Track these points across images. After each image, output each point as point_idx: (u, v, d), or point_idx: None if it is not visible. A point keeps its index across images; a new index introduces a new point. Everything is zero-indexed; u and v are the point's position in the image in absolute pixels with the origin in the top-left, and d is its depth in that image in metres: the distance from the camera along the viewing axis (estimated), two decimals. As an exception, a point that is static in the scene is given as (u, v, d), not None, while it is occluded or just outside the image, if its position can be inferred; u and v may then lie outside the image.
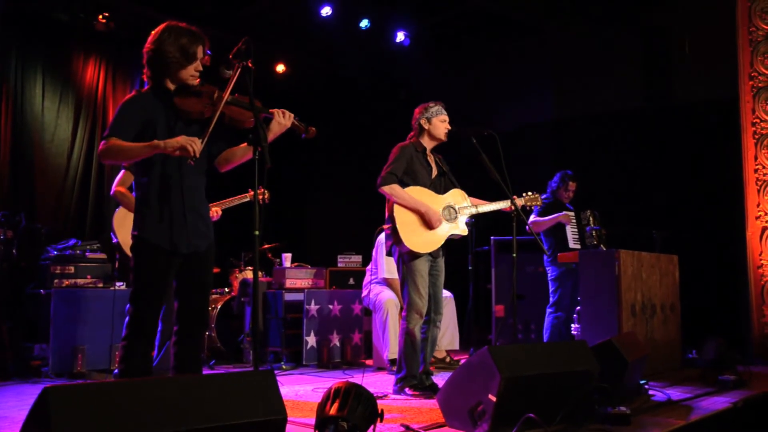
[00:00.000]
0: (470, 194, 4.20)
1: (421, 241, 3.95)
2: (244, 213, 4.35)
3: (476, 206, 4.14)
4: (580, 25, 7.32)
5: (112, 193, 4.25)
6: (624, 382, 3.33)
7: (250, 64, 2.67)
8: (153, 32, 2.69)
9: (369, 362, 5.65)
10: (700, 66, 6.65)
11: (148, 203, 2.64)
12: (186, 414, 1.90)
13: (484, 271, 6.97)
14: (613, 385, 3.10)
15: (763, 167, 5.80)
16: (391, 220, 3.95)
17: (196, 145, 2.51)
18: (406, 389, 3.94)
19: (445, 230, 4.03)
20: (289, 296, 5.62)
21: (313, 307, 5.51)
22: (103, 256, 5.25)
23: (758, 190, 5.80)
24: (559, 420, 2.83)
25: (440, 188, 4.13)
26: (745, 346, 5.69)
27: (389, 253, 4.12)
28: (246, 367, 5.40)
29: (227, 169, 2.90)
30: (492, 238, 6.73)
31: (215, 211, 4.36)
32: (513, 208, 4.03)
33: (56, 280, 4.95)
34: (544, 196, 5.45)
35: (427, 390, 3.91)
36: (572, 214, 5.55)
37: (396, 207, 3.95)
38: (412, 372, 3.96)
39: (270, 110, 2.77)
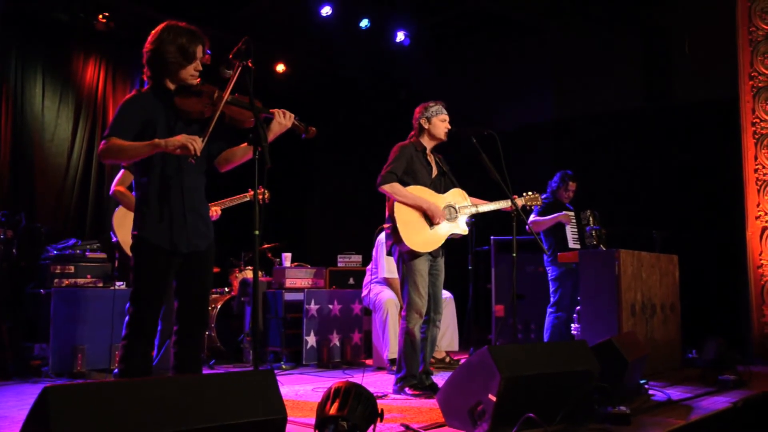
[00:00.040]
0: (470, 194, 4.20)
1: (422, 240, 3.95)
2: (244, 213, 4.35)
3: (476, 206, 4.14)
4: (580, 25, 7.32)
5: (111, 192, 4.25)
6: (624, 382, 3.33)
7: (250, 64, 2.67)
8: (152, 32, 2.69)
9: (369, 362, 5.65)
10: (700, 66, 6.65)
11: (148, 203, 2.64)
12: (186, 414, 1.90)
13: (484, 271, 6.97)
14: (613, 385, 3.10)
15: (763, 167, 5.80)
16: (392, 219, 3.95)
17: (196, 143, 2.52)
18: (406, 389, 3.94)
19: (446, 229, 4.03)
20: (289, 296, 5.62)
21: (313, 307, 5.51)
22: (103, 255, 5.25)
23: (758, 190, 5.80)
24: (559, 420, 2.83)
25: (440, 188, 4.13)
26: (745, 346, 5.69)
27: (389, 253, 4.12)
28: (246, 366, 5.40)
29: (227, 169, 2.90)
30: (492, 237, 6.73)
31: (215, 211, 4.36)
32: (513, 207, 4.03)
33: (56, 280, 4.95)
34: (544, 196, 5.45)
35: (427, 390, 3.91)
36: (572, 213, 5.55)
37: (396, 206, 3.95)
38: (412, 372, 3.96)
39: (270, 110, 2.77)
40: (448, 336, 5.54)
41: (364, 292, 5.58)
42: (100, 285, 5.12)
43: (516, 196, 4.10)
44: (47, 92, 6.48)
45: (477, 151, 4.03)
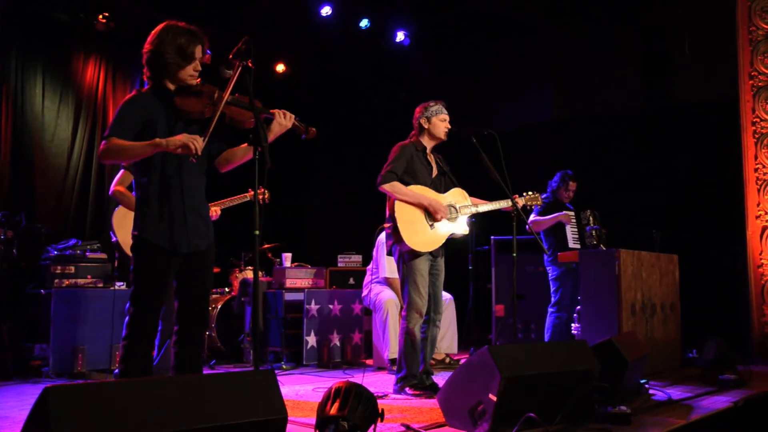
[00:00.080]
0: (470, 194, 4.20)
1: (422, 240, 3.95)
2: (245, 213, 4.36)
3: (477, 206, 4.14)
4: (580, 25, 7.32)
5: (110, 192, 4.25)
6: (624, 382, 3.33)
7: (250, 64, 2.67)
8: (152, 32, 2.69)
9: (369, 362, 5.65)
10: (700, 66, 6.65)
11: (148, 203, 2.64)
12: (186, 414, 1.90)
13: (484, 271, 6.97)
14: (613, 385, 3.10)
15: (763, 166, 5.80)
16: (392, 219, 3.95)
17: (198, 142, 2.52)
18: (407, 389, 3.94)
19: (446, 229, 4.03)
20: (289, 296, 5.62)
21: (314, 307, 5.51)
22: (103, 255, 5.25)
23: (758, 190, 5.80)
24: (560, 419, 2.83)
25: (440, 187, 4.13)
26: (746, 346, 5.69)
27: (389, 253, 4.12)
28: (246, 366, 5.40)
29: (227, 170, 2.90)
30: (492, 237, 6.73)
31: (214, 211, 4.36)
32: (513, 207, 4.03)
33: (56, 280, 4.95)
34: (544, 196, 5.45)
35: (428, 389, 3.92)
36: (572, 213, 5.55)
37: (397, 205, 3.95)
38: (413, 371, 3.96)
39: (271, 110, 2.77)
40: (447, 338, 5.54)
41: (365, 292, 5.58)
42: (101, 285, 5.12)
43: (516, 196, 4.10)
44: (47, 92, 6.47)
45: (477, 151, 4.03)
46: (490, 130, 3.93)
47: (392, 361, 5.04)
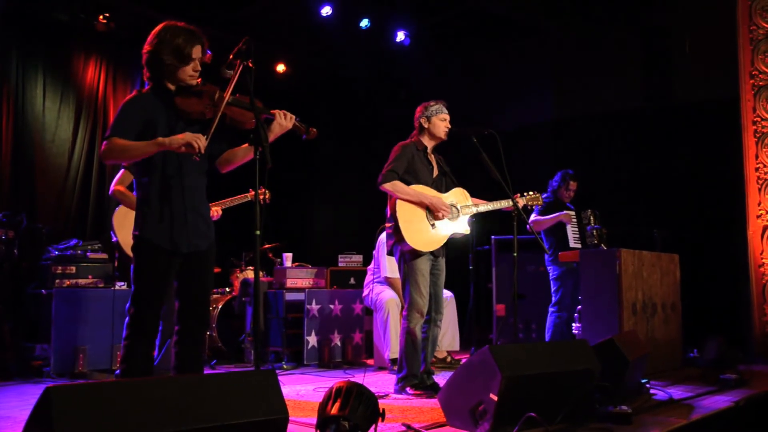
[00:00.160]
0: (471, 194, 4.20)
1: (423, 239, 3.95)
2: (245, 213, 4.36)
3: (478, 205, 4.15)
4: (580, 25, 7.32)
5: (110, 192, 4.25)
6: (625, 381, 3.34)
7: (250, 64, 2.67)
8: (151, 33, 2.69)
9: (370, 362, 5.65)
10: (700, 66, 6.65)
11: (149, 203, 2.65)
12: (187, 414, 1.90)
13: (484, 271, 6.97)
14: (614, 384, 3.10)
15: (764, 166, 5.80)
16: (393, 218, 3.95)
17: (201, 141, 2.52)
18: (408, 389, 3.94)
19: (447, 229, 4.03)
20: (290, 296, 5.63)
21: (314, 307, 5.51)
22: (104, 256, 5.25)
23: (759, 189, 5.80)
24: (560, 419, 2.83)
25: (441, 187, 4.13)
26: (747, 345, 5.69)
27: (390, 253, 4.12)
28: (247, 366, 5.41)
29: (228, 170, 2.90)
30: (493, 237, 6.73)
31: (215, 211, 4.36)
32: (514, 207, 4.03)
33: (57, 280, 4.95)
34: (544, 196, 5.45)
35: (429, 389, 3.92)
36: (573, 213, 5.55)
37: (398, 205, 3.95)
38: (413, 371, 3.96)
39: (271, 111, 2.77)
40: (449, 336, 5.54)
41: (365, 292, 5.58)
42: (101, 285, 5.12)
43: (517, 196, 4.11)
44: (48, 93, 6.48)
45: (477, 151, 4.03)
46: (491, 130, 3.93)
47: (393, 361, 5.04)
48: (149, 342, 2.65)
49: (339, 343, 5.62)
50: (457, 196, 4.13)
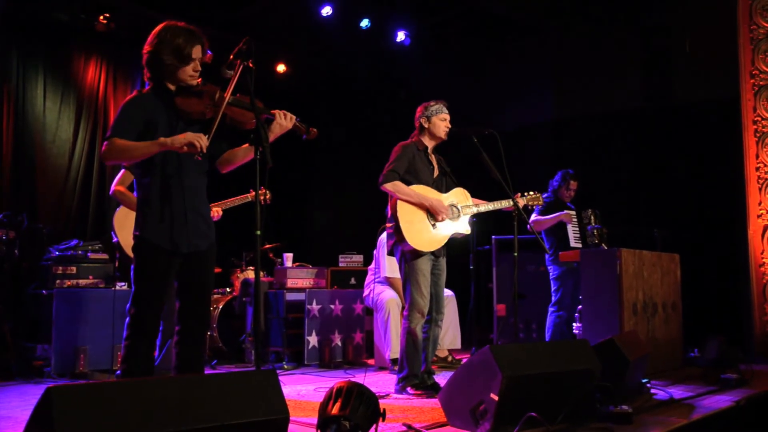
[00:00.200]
0: (471, 194, 4.20)
1: (424, 239, 3.95)
2: (246, 213, 4.36)
3: (478, 205, 4.15)
4: (580, 25, 7.32)
5: (111, 192, 4.25)
6: (626, 381, 3.33)
7: (251, 64, 2.67)
8: (151, 33, 2.69)
9: (371, 362, 5.65)
10: (700, 66, 6.65)
11: (150, 203, 2.65)
12: (188, 414, 1.90)
13: (485, 271, 6.97)
14: (614, 384, 3.10)
15: (765, 165, 5.80)
16: (394, 218, 3.95)
17: (202, 140, 2.52)
18: (408, 389, 3.94)
19: (448, 229, 4.03)
20: (290, 296, 5.63)
21: (315, 307, 5.51)
22: (104, 256, 5.26)
23: (759, 189, 5.80)
24: (561, 419, 2.83)
25: (442, 188, 4.13)
26: (747, 345, 5.69)
27: (390, 253, 4.12)
28: (248, 366, 5.41)
29: (228, 170, 2.91)
30: (493, 237, 6.73)
31: (216, 212, 4.36)
32: (514, 207, 4.03)
33: (58, 281, 4.95)
34: (545, 195, 5.45)
35: (429, 389, 3.92)
36: (573, 213, 5.55)
37: (399, 205, 3.95)
38: (414, 371, 3.96)
39: (272, 111, 2.77)
40: (450, 334, 5.54)
41: (366, 292, 5.58)
42: (102, 285, 5.12)
43: (518, 195, 4.11)
44: (48, 93, 6.49)
45: (478, 151, 4.03)
46: (491, 130, 3.93)
47: (394, 361, 5.04)
48: (150, 342, 2.65)
49: (340, 343, 5.62)
50: (458, 196, 4.13)
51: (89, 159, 6.69)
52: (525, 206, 4.18)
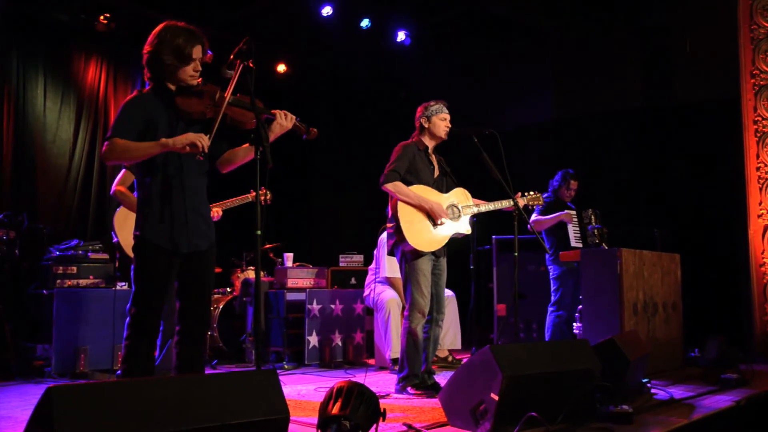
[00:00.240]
0: (472, 194, 4.20)
1: (425, 239, 3.95)
2: (246, 213, 4.35)
3: (478, 205, 4.15)
4: (580, 25, 7.32)
5: (112, 192, 4.26)
6: (626, 381, 3.33)
7: (251, 64, 2.67)
8: (151, 33, 2.70)
9: (371, 362, 5.65)
10: (700, 66, 6.65)
11: (150, 203, 2.65)
12: (188, 413, 1.90)
13: (485, 270, 6.97)
14: (615, 384, 3.10)
15: (765, 165, 5.80)
16: (395, 218, 3.96)
17: (204, 141, 2.53)
18: (409, 388, 3.95)
19: (449, 229, 4.03)
20: (291, 296, 5.63)
21: (315, 307, 5.51)
22: (105, 256, 5.26)
23: (760, 188, 5.79)
24: (561, 419, 2.83)
25: (442, 188, 4.13)
26: (748, 345, 5.69)
27: (391, 253, 4.12)
28: (248, 366, 5.41)
29: (229, 170, 2.91)
30: (493, 237, 6.73)
31: (216, 212, 4.36)
32: (515, 206, 4.03)
33: (58, 281, 4.96)
34: (545, 195, 5.45)
35: (430, 389, 3.92)
36: (574, 212, 5.55)
37: (400, 205, 3.95)
38: (415, 371, 3.97)
39: (272, 111, 2.77)
40: (450, 334, 5.55)
41: (366, 292, 5.58)
42: (102, 285, 5.13)
43: (518, 195, 4.11)
44: (49, 93, 6.49)
45: (478, 151, 4.03)
46: (492, 130, 3.93)
47: (394, 361, 5.04)
48: (150, 342, 2.65)
49: (340, 343, 5.62)
50: (458, 196, 4.13)
51: (89, 159, 6.70)
52: (525, 206, 4.19)
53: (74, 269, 5.06)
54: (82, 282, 5.07)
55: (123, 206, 4.38)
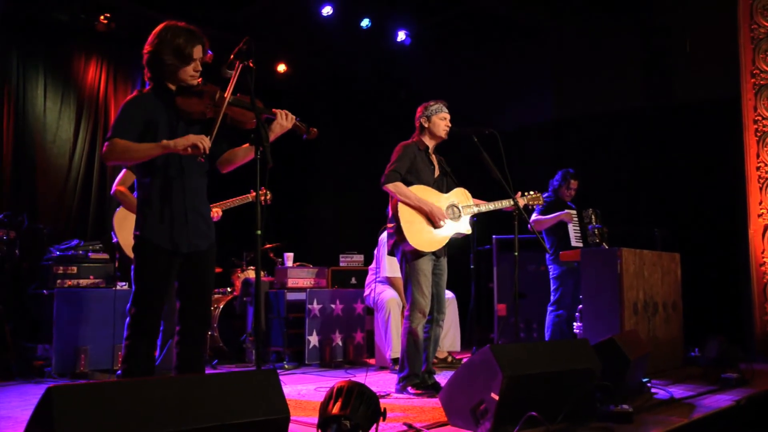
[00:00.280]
0: (472, 194, 4.20)
1: (425, 239, 3.95)
2: (246, 213, 4.35)
3: (479, 205, 4.15)
4: (580, 25, 7.32)
5: (112, 192, 4.26)
6: (626, 381, 3.34)
7: (251, 64, 2.68)
8: (152, 33, 2.70)
9: (371, 361, 5.65)
10: (700, 65, 6.65)
11: (150, 203, 2.65)
12: (189, 413, 1.90)
13: (485, 270, 6.97)
14: (615, 384, 3.10)
15: (765, 165, 5.80)
16: (395, 218, 3.96)
17: (205, 142, 2.53)
18: (409, 388, 3.95)
19: (449, 229, 4.03)
20: (291, 296, 5.63)
21: (316, 307, 5.51)
22: (105, 256, 5.26)
23: (760, 188, 5.79)
24: (562, 418, 2.83)
25: (443, 188, 4.14)
26: (748, 344, 5.69)
27: (391, 253, 4.12)
28: (248, 366, 5.41)
29: (229, 170, 2.91)
30: (494, 236, 6.73)
31: (215, 212, 4.36)
32: (515, 206, 4.03)
33: (59, 281, 4.96)
34: (545, 195, 5.45)
35: (430, 389, 3.92)
36: (574, 212, 5.55)
37: (400, 206, 3.95)
38: (415, 371, 3.97)
39: (272, 111, 2.77)
40: (450, 336, 5.54)
41: (367, 292, 5.58)
42: (103, 285, 5.13)
43: (518, 195, 4.11)
44: (49, 93, 6.49)
45: (478, 151, 4.03)
46: (492, 130, 3.93)
47: (394, 361, 5.04)
48: (150, 342, 2.65)
49: (340, 343, 5.62)
50: (459, 196, 4.13)
51: (90, 159, 6.70)
52: (525, 206, 4.19)
53: (74, 269, 5.07)
54: (83, 282, 5.07)
55: (123, 206, 4.38)
